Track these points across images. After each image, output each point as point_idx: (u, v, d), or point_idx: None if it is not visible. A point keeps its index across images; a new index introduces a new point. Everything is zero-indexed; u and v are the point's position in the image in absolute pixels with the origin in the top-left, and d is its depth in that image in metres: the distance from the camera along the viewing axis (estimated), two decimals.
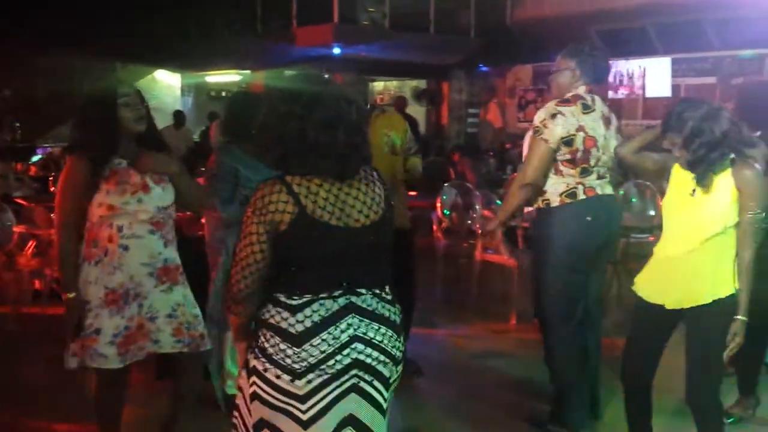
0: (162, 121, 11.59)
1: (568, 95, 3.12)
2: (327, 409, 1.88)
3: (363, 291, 1.95)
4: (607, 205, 3.22)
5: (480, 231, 3.18)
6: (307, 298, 1.90)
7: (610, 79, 10.48)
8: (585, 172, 3.12)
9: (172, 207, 2.74)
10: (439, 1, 11.30)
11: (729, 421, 3.46)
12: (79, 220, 2.61)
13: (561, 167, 3.12)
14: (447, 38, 11.49)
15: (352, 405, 1.92)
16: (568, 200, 3.13)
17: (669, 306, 2.61)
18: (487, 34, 11.74)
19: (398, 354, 2.00)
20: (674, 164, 2.63)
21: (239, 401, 1.99)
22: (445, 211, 6.24)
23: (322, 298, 1.90)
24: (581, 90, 3.14)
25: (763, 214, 2.53)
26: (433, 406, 3.84)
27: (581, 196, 3.13)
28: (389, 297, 2.02)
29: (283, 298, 1.91)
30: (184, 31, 11.37)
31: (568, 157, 3.09)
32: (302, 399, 1.87)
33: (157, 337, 2.68)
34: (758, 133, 3.52)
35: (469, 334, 4.99)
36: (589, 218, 3.12)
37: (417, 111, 14.74)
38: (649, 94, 9.84)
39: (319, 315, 1.89)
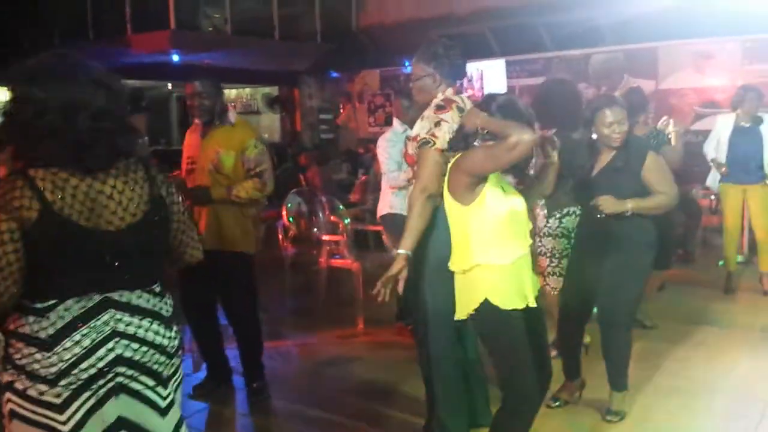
0: None
1: (439, 101, 3.01)
2: (89, 414, 1.73)
3: (123, 291, 1.81)
4: None
5: (383, 280, 2.82)
6: (53, 301, 1.73)
7: None
8: None
9: None
10: (282, 7, 11.14)
11: (555, 404, 3.59)
12: None
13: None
14: (293, 44, 11.35)
15: (121, 407, 1.78)
16: None
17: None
18: (334, 40, 11.73)
19: (169, 344, 1.88)
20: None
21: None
22: (290, 218, 6.11)
23: (71, 300, 1.74)
24: (449, 92, 3.05)
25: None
26: (281, 416, 3.75)
27: None
28: (157, 290, 1.89)
29: (29, 303, 1.73)
30: (12, 41, 10.50)
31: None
32: (59, 408, 1.70)
33: None
34: (553, 131, 3.69)
35: (316, 342, 4.89)
36: None
37: (272, 119, 14.54)
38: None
39: (71, 314, 1.73)
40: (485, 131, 2.51)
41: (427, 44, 3.12)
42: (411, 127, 4.51)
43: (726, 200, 5.89)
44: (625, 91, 5.00)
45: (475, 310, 2.57)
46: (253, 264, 3.83)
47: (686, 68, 8.75)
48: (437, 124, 2.91)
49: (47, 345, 1.70)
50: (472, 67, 10.16)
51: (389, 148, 4.52)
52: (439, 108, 2.97)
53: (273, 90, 14.20)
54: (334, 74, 12.64)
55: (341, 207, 5.84)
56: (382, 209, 4.63)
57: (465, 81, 10.17)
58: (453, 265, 2.66)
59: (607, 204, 3.26)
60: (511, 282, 2.56)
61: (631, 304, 3.47)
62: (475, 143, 2.55)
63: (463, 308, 2.64)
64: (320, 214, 5.95)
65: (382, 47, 11.02)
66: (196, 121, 3.73)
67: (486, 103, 2.58)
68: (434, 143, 2.89)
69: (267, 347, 4.05)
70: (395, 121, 4.74)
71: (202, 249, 3.50)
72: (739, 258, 6.29)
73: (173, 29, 9.44)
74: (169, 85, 13.82)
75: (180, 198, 1.98)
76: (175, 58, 9.99)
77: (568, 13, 9.18)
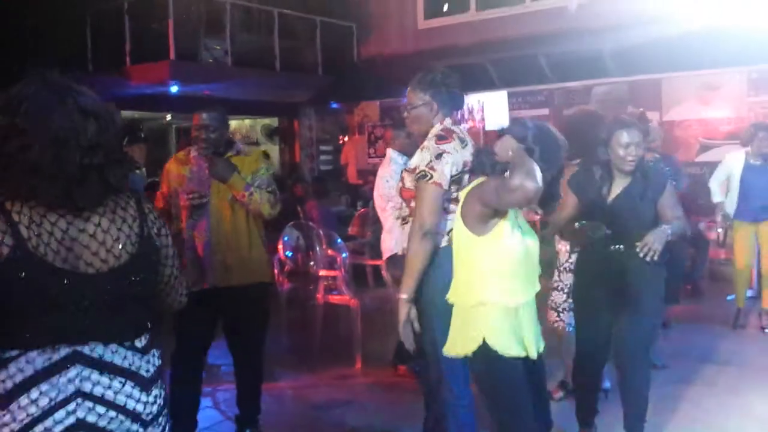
0: None
1: (438, 131, 2.84)
2: None
3: (96, 344, 1.60)
4: None
5: (401, 333, 2.71)
6: (15, 352, 1.54)
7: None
8: None
9: None
10: (283, 39, 11.13)
11: None
12: None
13: (447, 205, 2.83)
14: (294, 75, 11.33)
15: None
16: None
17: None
18: (334, 72, 11.70)
19: (144, 411, 1.64)
20: None
21: None
22: (287, 252, 5.94)
23: (35, 351, 1.54)
24: (447, 123, 2.90)
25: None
26: None
27: None
28: (139, 345, 1.67)
29: None
30: (13, 72, 10.47)
31: (455, 195, 2.80)
32: None
33: None
34: (576, 161, 3.56)
35: (312, 383, 4.69)
36: None
37: (271, 149, 14.48)
38: (488, 126, 10.13)
39: (32, 368, 1.54)
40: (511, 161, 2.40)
41: (424, 72, 2.96)
42: (407, 156, 4.40)
43: (737, 239, 5.84)
44: (638, 115, 4.86)
45: (473, 352, 2.42)
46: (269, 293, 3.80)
47: (690, 99, 8.65)
48: (438, 156, 2.75)
49: (3, 401, 1.52)
50: (473, 99, 10.08)
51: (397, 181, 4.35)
52: (441, 138, 2.80)
53: (273, 121, 14.16)
54: (334, 105, 12.59)
55: (339, 240, 5.67)
56: (391, 248, 4.36)
57: (466, 113, 10.11)
58: (453, 296, 2.52)
59: (656, 240, 3.01)
60: (513, 326, 2.41)
61: (651, 341, 3.36)
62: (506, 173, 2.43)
63: (458, 346, 2.49)
64: (317, 248, 5.77)
65: (382, 79, 10.97)
66: (193, 153, 3.57)
67: (518, 129, 2.45)
68: (431, 177, 2.71)
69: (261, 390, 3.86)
70: (392, 152, 4.56)
71: (229, 283, 3.45)
72: (749, 293, 6.13)
73: (173, 60, 9.40)
74: (168, 116, 13.78)
75: (170, 240, 1.80)
76: (174, 89, 9.93)
77: (569, 44, 9.14)
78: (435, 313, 2.70)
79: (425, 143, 2.84)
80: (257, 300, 3.60)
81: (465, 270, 2.48)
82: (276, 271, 5.91)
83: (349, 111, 12.32)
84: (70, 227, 1.58)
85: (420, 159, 2.79)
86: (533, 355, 2.44)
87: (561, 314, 3.95)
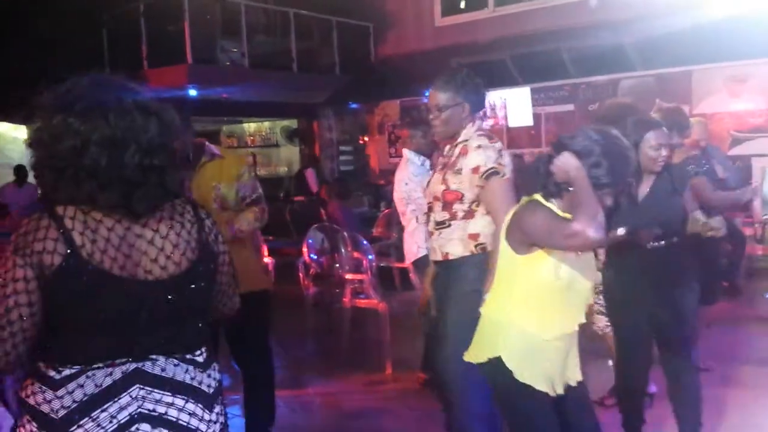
0: (6, 178, 10.56)
1: (475, 132, 2.81)
2: None
3: (157, 357, 1.49)
4: None
5: None
6: (75, 369, 1.42)
7: None
8: None
9: None
10: (300, 40, 11.05)
11: None
12: None
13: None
14: (311, 76, 11.24)
15: None
16: None
17: None
18: (352, 71, 11.59)
19: (206, 430, 1.55)
20: None
21: None
22: (312, 255, 5.82)
23: (96, 368, 1.43)
24: (477, 125, 2.87)
25: None
26: None
27: None
28: (200, 360, 1.56)
29: (44, 370, 1.43)
30: (29, 79, 10.46)
31: None
32: None
33: None
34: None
35: (340, 390, 4.55)
36: None
37: (291, 151, 14.40)
38: (511, 123, 9.96)
39: (92, 384, 1.42)
40: (569, 186, 2.10)
41: (451, 73, 2.91)
42: (424, 156, 4.26)
43: None
44: (671, 109, 4.67)
45: (487, 361, 2.21)
46: (268, 303, 3.54)
47: (721, 91, 8.42)
48: (500, 152, 2.76)
49: (60, 427, 1.41)
50: (495, 96, 9.92)
51: (422, 182, 4.20)
52: (489, 137, 2.81)
53: (292, 123, 14.08)
54: (353, 106, 12.48)
55: (365, 242, 5.54)
56: (414, 251, 4.23)
57: (488, 110, 9.95)
58: (487, 304, 2.34)
59: (717, 222, 2.95)
60: (535, 358, 2.16)
61: (695, 339, 3.19)
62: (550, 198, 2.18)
63: (475, 351, 2.29)
64: (343, 250, 5.65)
65: (402, 77, 10.84)
66: None
67: (583, 144, 2.11)
68: (504, 173, 2.73)
69: (287, 396, 3.74)
70: (409, 153, 4.41)
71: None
72: None
73: (190, 63, 9.33)
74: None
75: (226, 246, 1.69)
76: (193, 92, 9.86)
77: (591, 38, 8.95)
78: (459, 323, 2.61)
79: (478, 142, 2.77)
80: (255, 308, 3.33)
81: (501, 282, 2.28)
82: (301, 274, 5.79)
83: (368, 111, 12.21)
84: (127, 233, 1.47)
85: (483, 158, 2.74)
86: (559, 391, 2.21)
87: (595, 317, 3.78)
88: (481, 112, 2.99)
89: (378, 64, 11.88)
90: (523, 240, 2.15)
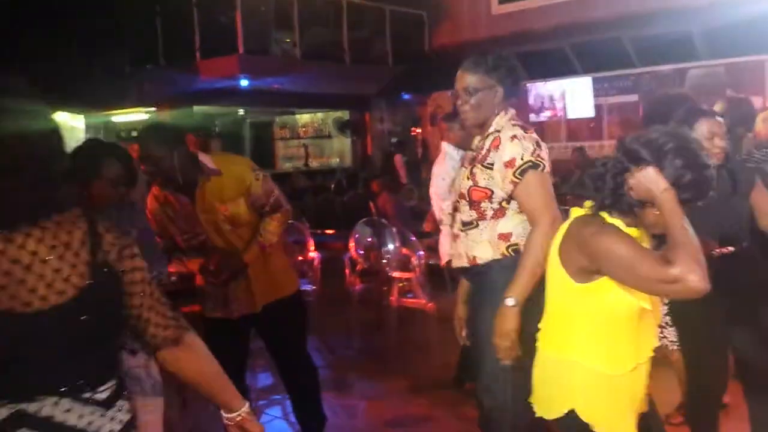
0: None
1: (508, 121, 2.48)
2: None
3: (45, 398, 1.31)
4: None
5: (502, 348, 2.31)
6: None
7: (531, 101, 10.27)
8: None
9: None
10: (352, 30, 10.89)
11: None
12: None
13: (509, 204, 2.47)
14: (364, 67, 11.08)
15: None
16: None
17: None
18: (406, 62, 11.38)
19: None
20: None
21: None
22: (359, 251, 5.64)
23: None
24: (510, 113, 2.52)
25: None
26: None
27: None
28: (102, 396, 1.37)
29: None
30: (86, 69, 10.63)
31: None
32: None
33: None
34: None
35: (385, 394, 4.36)
36: None
37: (343, 143, 14.31)
38: (571, 115, 9.60)
39: None
40: (655, 208, 1.77)
41: (481, 54, 2.55)
42: (463, 150, 4.00)
43: None
44: (737, 99, 4.30)
45: (562, 416, 1.92)
46: (302, 306, 3.35)
47: None
48: (538, 143, 2.41)
49: None
50: (554, 86, 9.56)
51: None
52: (524, 128, 2.45)
53: (344, 114, 13.98)
54: (406, 96, 12.27)
55: (413, 238, 5.33)
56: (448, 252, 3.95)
57: (546, 100, 9.59)
58: (542, 340, 2.00)
59: None
60: (615, 399, 1.88)
61: None
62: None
63: (542, 404, 1.98)
64: (391, 246, 5.45)
65: (456, 68, 10.54)
66: (164, 190, 3.01)
67: (663, 151, 1.77)
68: (543, 166, 2.39)
69: (329, 397, 3.56)
70: (447, 147, 4.16)
71: (256, 309, 3.04)
72: None
73: (242, 54, 9.28)
74: (241, 111, 13.77)
75: (143, 263, 1.46)
76: (244, 83, 9.82)
77: (655, 26, 8.52)
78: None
79: (513, 132, 2.43)
80: (289, 317, 3.19)
81: (557, 314, 1.96)
82: (347, 270, 5.63)
83: (421, 102, 11.99)
84: (1, 259, 1.28)
85: (519, 150, 2.39)
86: (641, 409, 1.96)
87: (664, 330, 3.47)
88: (515, 100, 2.60)
89: (431, 54, 11.64)
90: (587, 267, 1.81)
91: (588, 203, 1.89)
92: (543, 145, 2.43)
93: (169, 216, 3.01)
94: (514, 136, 2.43)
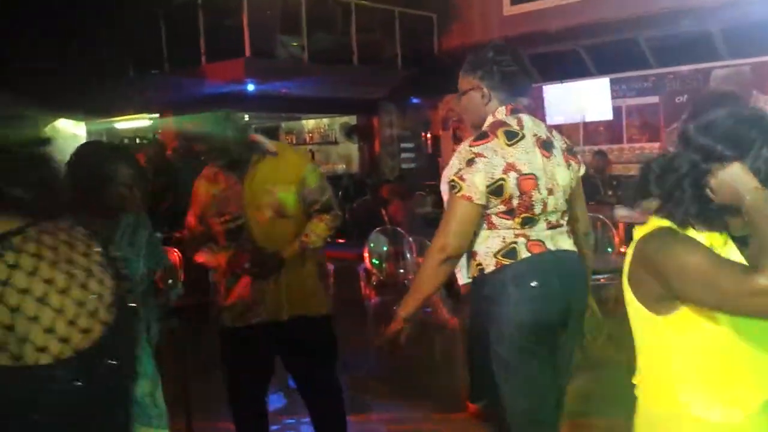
0: None
1: (484, 126, 2.26)
2: None
3: None
4: (564, 263, 2.26)
5: (383, 341, 2.31)
6: None
7: (545, 103, 10.00)
8: (528, 222, 2.21)
9: None
10: (361, 33, 10.66)
11: None
12: None
13: (494, 219, 2.21)
14: (373, 70, 10.85)
15: None
16: (505, 261, 2.19)
17: None
18: (415, 65, 11.15)
19: None
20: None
21: None
22: (374, 261, 5.38)
23: None
24: (500, 113, 2.26)
25: None
26: None
27: (523, 254, 2.19)
28: None
29: None
30: (88, 75, 10.42)
31: (502, 208, 2.19)
32: None
33: None
34: None
35: (407, 417, 4.09)
36: (534, 283, 2.17)
37: (349, 148, 14.06)
38: (589, 117, 9.36)
39: None
40: (745, 213, 1.40)
41: (475, 50, 2.37)
42: None
43: None
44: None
45: None
46: (332, 329, 3.08)
47: None
48: (470, 162, 2.16)
49: None
50: (570, 88, 9.31)
51: None
52: (478, 138, 2.20)
53: (351, 119, 13.74)
54: (415, 100, 12.02)
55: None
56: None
57: (563, 103, 9.33)
58: (642, 392, 1.61)
59: None
60: None
61: None
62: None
63: None
64: (408, 257, 5.18)
65: None
66: (213, 167, 2.94)
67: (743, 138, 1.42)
68: (460, 188, 2.15)
69: (348, 422, 3.29)
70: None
71: (281, 318, 2.80)
72: None
73: (248, 57, 9.07)
74: (246, 116, 13.54)
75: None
76: (251, 87, 9.59)
77: (672, 25, 8.27)
78: (495, 355, 2.20)
79: (462, 146, 2.27)
80: (317, 338, 2.96)
81: (650, 359, 1.59)
82: (362, 282, 5.35)
83: (432, 106, 11.74)
84: (5, 290, 0.99)
85: (451, 166, 2.28)
86: None
87: None
88: (525, 100, 2.35)
89: (442, 56, 11.40)
90: (663, 294, 1.47)
91: (655, 219, 1.54)
92: (479, 162, 2.15)
93: (214, 197, 2.88)
94: (457, 150, 2.29)
